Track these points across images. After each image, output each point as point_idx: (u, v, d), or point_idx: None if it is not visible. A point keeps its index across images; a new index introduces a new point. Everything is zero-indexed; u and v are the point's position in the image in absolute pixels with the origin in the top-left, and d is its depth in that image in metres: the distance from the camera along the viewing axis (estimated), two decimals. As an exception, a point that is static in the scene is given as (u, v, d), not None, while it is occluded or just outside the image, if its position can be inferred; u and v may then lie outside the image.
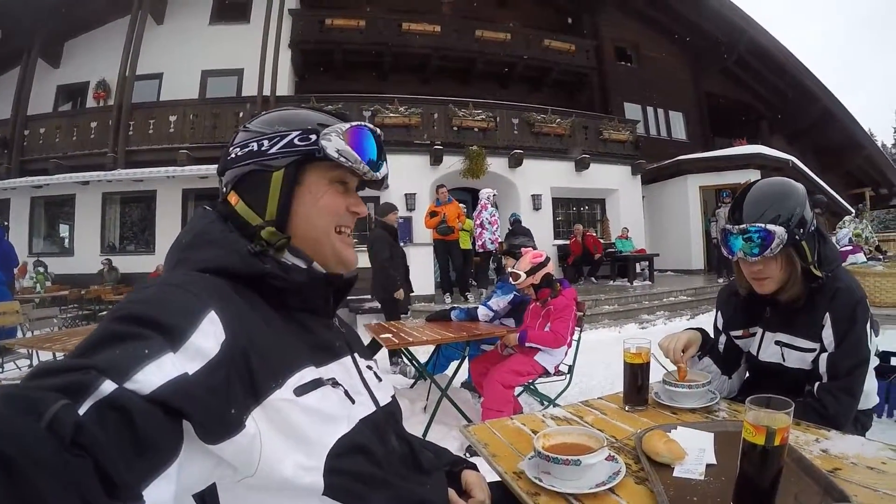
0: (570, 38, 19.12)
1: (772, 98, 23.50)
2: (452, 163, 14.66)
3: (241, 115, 14.48)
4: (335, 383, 1.03)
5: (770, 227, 1.80)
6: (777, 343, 2.01)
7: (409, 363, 5.74)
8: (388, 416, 1.19)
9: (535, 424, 1.73)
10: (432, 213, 10.95)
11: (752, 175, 16.14)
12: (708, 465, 1.34)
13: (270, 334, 0.96)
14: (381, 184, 1.24)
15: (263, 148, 1.12)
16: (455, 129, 15.07)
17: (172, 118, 14.53)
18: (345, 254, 1.18)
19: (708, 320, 7.98)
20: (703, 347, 2.11)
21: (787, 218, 1.82)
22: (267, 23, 14.96)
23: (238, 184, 1.14)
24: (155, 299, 0.86)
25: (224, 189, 1.18)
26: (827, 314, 1.87)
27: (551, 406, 4.72)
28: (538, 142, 16.08)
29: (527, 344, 4.42)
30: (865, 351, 1.86)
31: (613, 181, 17.06)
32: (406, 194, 14.09)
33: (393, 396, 1.27)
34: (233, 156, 1.15)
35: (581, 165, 16.37)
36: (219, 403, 0.81)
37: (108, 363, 0.71)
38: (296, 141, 1.11)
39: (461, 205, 11.39)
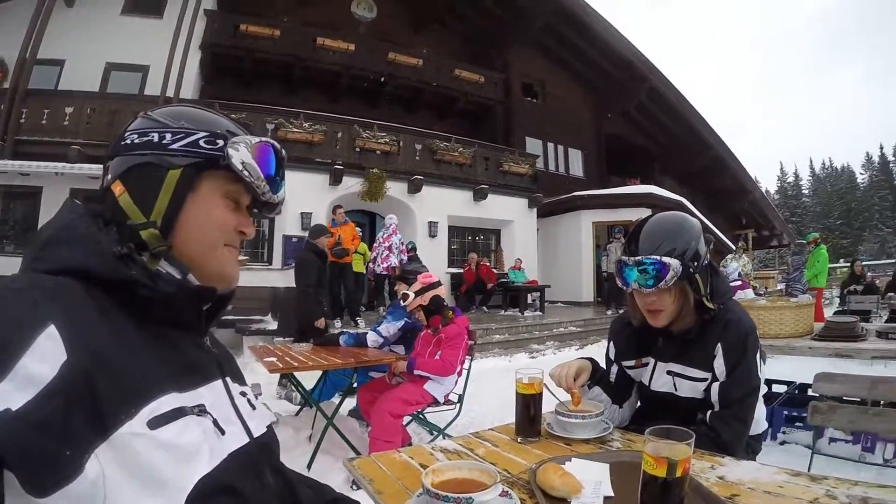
0: (480, 70, 19.44)
1: (667, 142, 24.89)
2: (352, 184, 14.46)
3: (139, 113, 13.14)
4: (202, 411, 0.89)
5: (665, 259, 1.83)
6: (669, 373, 2.03)
7: (294, 389, 5.50)
8: (262, 449, 1.05)
9: (423, 458, 1.65)
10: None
11: (645, 213, 16.81)
12: (606, 498, 1.30)
13: (126, 352, 0.81)
14: (274, 208, 1.14)
15: (165, 141, 0.99)
16: (357, 150, 14.91)
17: (68, 110, 13.09)
18: (229, 269, 1.06)
19: (597, 351, 8.14)
20: (594, 376, 2.10)
21: (682, 251, 1.86)
22: (180, 21, 14.19)
23: (126, 174, 0.99)
24: None
25: (108, 177, 1.01)
26: (719, 345, 1.90)
27: (441, 437, 4.66)
28: (439, 169, 16.17)
29: (415, 372, 4.32)
30: (756, 379, 1.90)
31: (510, 213, 17.43)
32: (302, 213, 13.66)
33: (269, 427, 1.12)
34: (128, 142, 1.00)
35: (479, 195, 16.60)
36: (50, 444, 0.66)
37: None
38: (201, 142, 1.01)
39: (357, 228, 11.27)
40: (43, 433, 0.66)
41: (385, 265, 11.21)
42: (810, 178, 78.72)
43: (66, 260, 0.86)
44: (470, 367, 4.80)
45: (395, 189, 15.11)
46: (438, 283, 4.64)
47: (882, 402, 3.31)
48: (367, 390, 4.71)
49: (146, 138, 1.00)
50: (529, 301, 14.76)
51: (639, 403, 2.23)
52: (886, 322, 6.55)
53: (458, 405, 4.67)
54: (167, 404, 0.82)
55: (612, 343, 2.26)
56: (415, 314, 4.69)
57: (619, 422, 2.11)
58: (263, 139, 1.08)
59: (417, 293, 4.53)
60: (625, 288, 1.97)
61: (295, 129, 14.01)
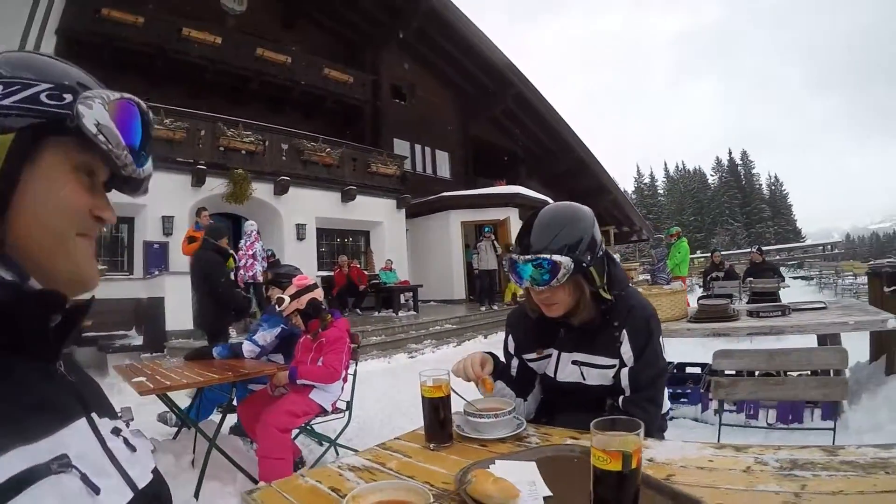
0: (350, 71, 19.18)
1: (532, 146, 25.80)
2: (215, 185, 13.71)
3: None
4: (64, 465, 0.66)
5: (556, 257, 1.82)
6: (575, 363, 2.02)
7: (168, 410, 5.00)
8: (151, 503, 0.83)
9: (333, 481, 1.49)
10: (191, 239, 10.03)
11: (512, 212, 17.47)
12: (545, 498, 1.25)
13: None
14: (140, 185, 0.89)
15: None
16: (221, 149, 14.16)
17: None
18: (84, 266, 0.81)
19: (474, 346, 8.31)
20: (494, 371, 2.06)
21: (574, 245, 1.84)
22: (36, 1, 12.68)
23: None
24: None
25: None
26: (624, 330, 1.93)
27: (333, 448, 4.50)
28: (306, 170, 15.80)
29: (298, 381, 4.08)
30: (663, 361, 1.96)
31: (379, 214, 17.37)
32: (163, 217, 12.77)
33: (155, 470, 0.89)
34: None
35: (348, 197, 16.42)
36: None
37: None
38: (43, 97, 0.75)
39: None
40: None
41: (251, 273, 10.82)
42: (665, 179, 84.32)
43: None
44: (355, 371, 4.63)
45: (261, 190, 14.57)
46: (315, 286, 4.44)
47: (779, 372, 3.57)
48: (249, 405, 4.40)
49: None
50: (403, 301, 14.81)
51: (541, 395, 2.22)
52: (748, 304, 7.21)
53: (346, 413, 4.47)
54: (9, 467, 0.59)
55: (510, 337, 2.23)
56: (291, 319, 4.46)
57: (525, 415, 2.07)
58: (126, 95, 0.83)
59: (293, 297, 4.30)
60: (519, 284, 1.94)
61: (155, 126, 12.92)
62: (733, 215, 72.05)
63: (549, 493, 1.26)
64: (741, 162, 78.37)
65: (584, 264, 1.84)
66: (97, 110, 0.78)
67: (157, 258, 12.61)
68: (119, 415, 0.90)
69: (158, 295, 11.01)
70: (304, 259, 14.11)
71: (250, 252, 10.96)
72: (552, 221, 1.91)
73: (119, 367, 5.02)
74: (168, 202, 12.73)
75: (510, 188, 19.18)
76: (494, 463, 1.44)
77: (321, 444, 4.75)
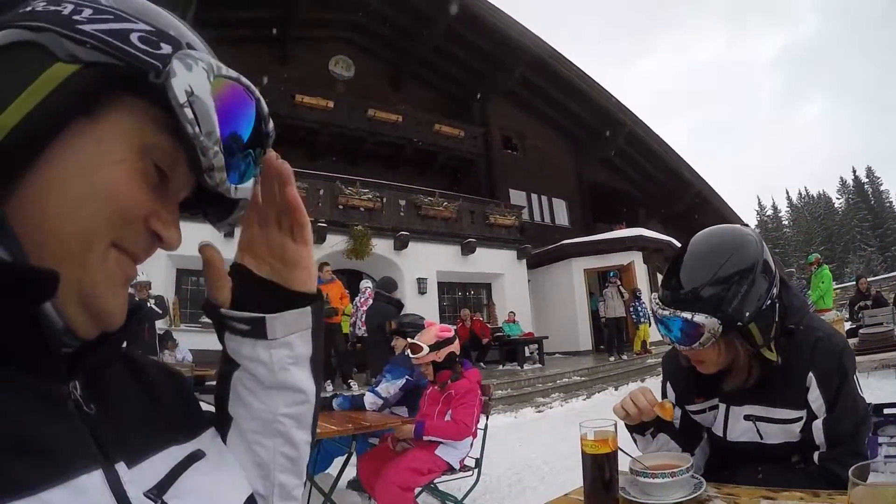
0: (460, 124, 19.47)
1: (650, 186, 24.86)
2: (336, 242, 14.10)
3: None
4: None
5: (698, 318, 1.42)
6: (748, 417, 1.58)
7: None
8: None
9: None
10: None
11: (635, 256, 16.79)
12: None
13: None
14: (228, 212, 0.64)
15: (77, 17, 0.51)
16: (340, 207, 14.62)
17: None
18: (105, 297, 0.53)
19: (605, 399, 7.73)
20: (657, 423, 1.64)
21: (727, 299, 1.43)
22: None
23: None
24: None
25: None
26: (810, 374, 1.49)
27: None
28: (424, 224, 15.89)
29: (426, 437, 3.77)
30: (863, 404, 1.50)
31: (499, 265, 17.09)
32: None
33: None
34: (29, 8, 0.52)
35: (467, 249, 16.29)
36: None
37: None
38: (134, 37, 0.52)
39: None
40: None
41: (364, 329, 10.74)
42: (788, 209, 79.38)
43: None
44: (486, 426, 4.27)
45: (381, 246, 14.75)
46: (455, 338, 4.16)
47: None
48: (369, 459, 4.17)
49: (54, 7, 0.51)
50: (528, 354, 14.36)
51: (709, 449, 1.77)
52: None
53: (475, 471, 4.11)
54: None
55: (669, 384, 1.82)
56: (421, 368, 4.19)
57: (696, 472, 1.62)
58: (243, 79, 0.59)
59: (433, 347, 4.01)
60: (661, 333, 1.56)
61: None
62: (865, 239, 65.53)
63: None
64: (867, 180, 71.46)
65: (739, 322, 1.43)
66: (196, 75, 0.53)
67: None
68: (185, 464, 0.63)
69: None
70: (425, 313, 13.72)
71: (364, 308, 10.96)
72: (704, 261, 1.52)
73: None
74: None
75: (631, 231, 18.46)
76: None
77: (445, 504, 4.44)
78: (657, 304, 1.53)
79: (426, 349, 4.01)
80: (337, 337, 10.49)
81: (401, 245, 15.13)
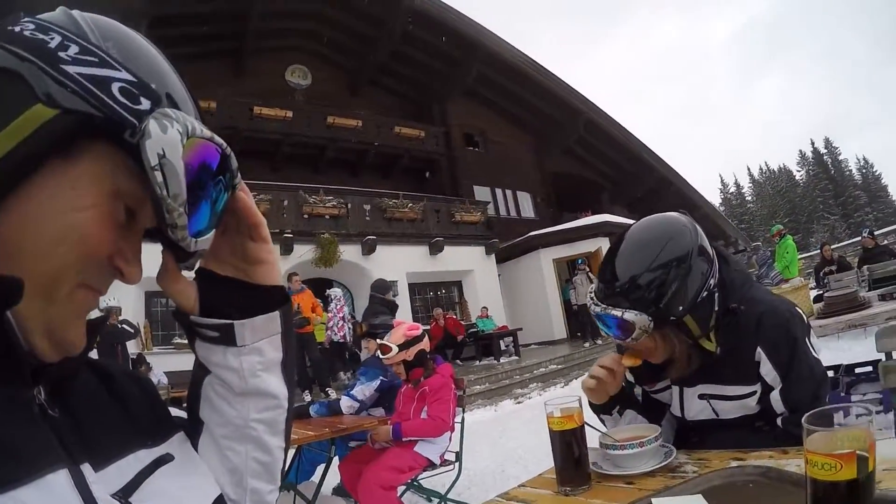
0: (420, 125, 19.61)
1: (611, 171, 25.14)
2: (304, 252, 14.06)
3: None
4: None
5: (627, 316, 1.42)
6: (702, 397, 1.60)
7: None
8: None
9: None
10: None
11: (602, 242, 16.91)
12: None
13: None
14: (187, 258, 0.66)
15: (62, 53, 0.53)
16: (306, 216, 14.60)
17: None
18: (69, 332, 0.56)
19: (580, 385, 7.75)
20: (621, 400, 1.68)
21: (659, 293, 1.43)
22: None
23: None
24: None
25: None
26: (758, 348, 1.49)
27: (443, 503, 4.15)
28: (391, 227, 15.91)
29: (405, 438, 3.79)
30: (819, 367, 1.50)
31: (468, 262, 17.16)
32: None
33: None
34: (16, 29, 0.53)
35: (435, 249, 16.35)
36: None
37: None
38: (115, 88, 0.54)
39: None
40: None
41: (341, 334, 11.05)
42: (751, 185, 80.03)
43: None
44: (463, 419, 4.29)
45: (349, 252, 14.75)
46: (423, 336, 4.15)
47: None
48: (351, 462, 4.12)
49: (42, 36, 0.53)
50: (503, 347, 14.38)
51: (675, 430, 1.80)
52: (869, 291, 6.58)
53: (456, 464, 4.13)
54: None
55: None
56: (392, 368, 4.20)
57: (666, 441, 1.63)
58: (216, 139, 0.60)
59: (402, 346, 4.01)
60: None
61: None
62: (828, 209, 66.67)
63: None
64: (826, 151, 72.58)
65: (672, 318, 1.44)
66: (170, 137, 0.54)
67: None
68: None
69: None
70: (399, 316, 13.81)
71: (340, 315, 11.14)
72: (637, 254, 1.50)
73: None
74: None
75: (597, 217, 18.64)
76: (651, 502, 1.10)
77: (430, 501, 4.42)
78: (592, 299, 1.53)
79: (395, 349, 4.00)
80: (311, 345, 10.44)
81: (368, 250, 15.13)
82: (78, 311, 0.57)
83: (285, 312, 0.74)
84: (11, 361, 0.52)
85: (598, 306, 1.49)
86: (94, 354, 0.67)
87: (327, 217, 14.88)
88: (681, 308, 1.43)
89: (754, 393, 1.52)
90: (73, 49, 0.53)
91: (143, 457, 0.64)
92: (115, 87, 0.53)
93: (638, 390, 1.80)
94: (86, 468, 0.54)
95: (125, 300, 9.81)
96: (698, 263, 1.46)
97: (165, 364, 11.02)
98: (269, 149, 16.89)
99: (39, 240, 0.52)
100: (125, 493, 0.58)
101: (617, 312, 1.43)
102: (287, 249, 13.86)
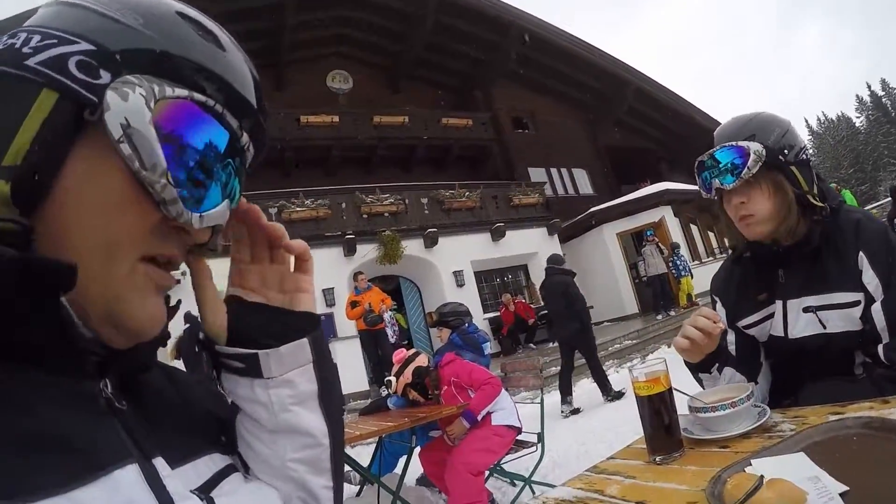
0: (466, 114, 19.50)
1: (665, 138, 24.42)
2: (367, 251, 14.23)
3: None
4: None
5: (743, 143, 1.49)
6: (808, 310, 1.53)
7: (350, 468, 4.59)
8: None
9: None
10: (353, 304, 10.48)
11: (665, 211, 16.56)
12: (841, 495, 0.85)
13: None
14: (209, 241, 0.60)
15: (23, 47, 0.50)
16: (365, 216, 14.78)
17: None
18: (136, 307, 0.54)
19: (661, 358, 7.61)
20: (719, 357, 1.58)
21: (767, 136, 1.50)
22: None
23: None
24: None
25: None
26: (860, 253, 1.46)
27: (527, 486, 4.07)
28: (451, 218, 15.93)
29: (479, 417, 3.77)
30: None
31: (532, 245, 16.96)
32: (324, 290, 13.45)
33: None
34: None
35: (497, 235, 16.25)
36: None
37: None
38: (72, 64, 0.50)
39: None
40: None
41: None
42: (810, 137, 77.12)
43: None
44: (542, 401, 4.25)
45: (412, 247, 14.82)
46: (416, 354, 4.28)
47: None
48: (432, 450, 4.15)
49: (11, 41, 0.51)
50: (576, 327, 14.17)
51: (772, 376, 1.72)
52: None
53: (538, 446, 4.07)
54: None
55: (717, 305, 1.77)
56: (409, 397, 4.28)
57: (760, 401, 1.57)
58: (196, 95, 0.54)
59: (397, 375, 4.18)
60: (707, 194, 1.62)
61: (298, 209, 13.98)
62: (893, 154, 63.05)
63: (845, 487, 0.85)
64: (884, 93, 69.25)
65: (780, 157, 1.48)
66: (133, 103, 0.49)
67: (324, 328, 12.93)
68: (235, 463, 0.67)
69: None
70: (467, 304, 13.74)
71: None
72: (736, 120, 1.60)
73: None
74: (326, 275, 13.38)
75: (657, 186, 18.12)
76: (751, 464, 1.02)
77: (514, 485, 4.34)
78: (701, 158, 1.60)
79: (393, 381, 4.18)
80: (383, 341, 10.48)
81: (431, 242, 15.17)
82: (142, 287, 0.54)
83: (316, 340, 0.70)
84: (72, 352, 0.50)
85: (706, 154, 1.58)
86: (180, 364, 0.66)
87: (386, 215, 15.02)
88: (788, 151, 1.50)
89: (858, 303, 1.46)
90: (35, 39, 0.50)
91: (217, 460, 0.64)
92: (71, 63, 0.50)
93: (731, 337, 1.70)
94: (159, 462, 0.53)
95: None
96: (795, 134, 1.55)
97: None
98: (320, 155, 17.15)
99: (84, 213, 0.50)
100: (206, 489, 0.58)
101: (732, 142, 1.51)
102: (350, 250, 14.08)
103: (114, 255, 0.51)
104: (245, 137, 0.60)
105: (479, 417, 3.77)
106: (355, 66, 19.65)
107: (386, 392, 4.59)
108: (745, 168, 1.45)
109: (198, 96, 0.54)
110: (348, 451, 3.95)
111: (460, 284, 15.36)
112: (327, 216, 14.27)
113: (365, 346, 10.97)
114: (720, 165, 1.51)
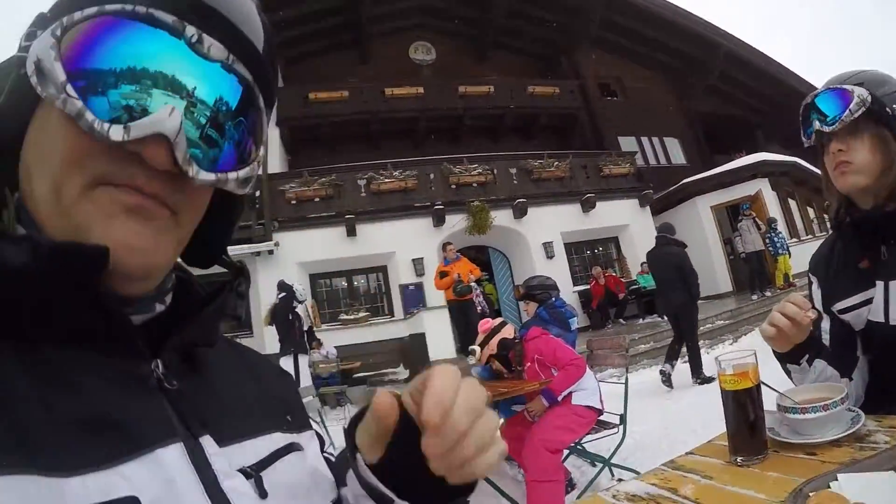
0: (553, 82, 19.11)
1: (761, 106, 22.98)
2: (456, 221, 14.28)
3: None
4: None
5: (847, 86, 1.40)
6: None
7: None
8: None
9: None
10: (442, 274, 10.62)
11: (762, 184, 15.76)
12: None
13: None
14: (179, 166, 0.52)
15: (27, 40, 0.53)
16: (453, 186, 14.81)
17: None
18: (94, 230, 0.51)
19: (751, 341, 7.25)
20: (810, 348, 1.46)
21: (874, 85, 1.40)
22: None
23: None
24: None
25: None
26: None
27: (606, 468, 4.03)
28: (540, 188, 15.68)
29: (560, 398, 3.74)
30: None
31: (623, 216, 16.54)
32: (413, 259, 13.69)
33: None
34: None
35: (587, 206, 15.90)
36: None
37: None
38: (23, 40, 0.54)
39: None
40: None
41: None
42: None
43: None
44: (626, 381, 4.20)
45: (501, 217, 14.73)
46: (502, 325, 4.24)
47: None
48: (513, 425, 4.11)
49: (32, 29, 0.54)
50: (667, 303, 13.81)
51: (869, 376, 1.57)
52: None
53: (620, 427, 4.02)
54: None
55: (813, 286, 1.65)
56: (492, 367, 4.33)
57: (854, 403, 1.44)
58: (109, 7, 0.50)
59: (482, 345, 4.16)
60: (807, 141, 1.53)
61: (387, 180, 14.21)
62: None
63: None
64: None
65: (888, 110, 1.36)
66: (41, 41, 0.50)
67: (413, 298, 13.48)
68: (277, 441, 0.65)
69: (419, 331, 11.59)
70: (556, 276, 13.34)
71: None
72: (846, 71, 1.49)
73: (363, 394, 5.08)
74: (415, 246, 13.68)
75: (754, 157, 17.01)
76: (837, 479, 0.95)
77: (594, 465, 4.29)
78: (802, 110, 1.52)
79: (477, 350, 4.18)
80: (471, 312, 10.52)
81: (520, 213, 15.00)
82: (104, 212, 0.51)
83: None
84: (120, 333, 0.52)
85: (809, 96, 1.50)
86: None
87: (474, 185, 14.97)
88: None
89: None
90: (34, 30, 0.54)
91: (278, 439, 0.64)
92: (23, 38, 0.53)
93: (826, 325, 1.59)
94: (206, 441, 0.54)
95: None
96: None
97: (334, 339, 12.00)
98: (407, 127, 17.29)
99: (37, 162, 0.52)
100: (258, 468, 0.58)
101: (837, 85, 1.43)
102: (439, 221, 14.20)
103: (60, 183, 0.51)
104: (191, 29, 0.52)
105: (560, 398, 3.75)
106: (438, 36, 19.64)
107: (472, 361, 4.62)
108: (847, 110, 1.36)
109: (109, 7, 0.50)
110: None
111: (550, 256, 15.10)
112: (415, 187, 14.43)
113: (453, 315, 11.01)
114: (822, 108, 1.43)
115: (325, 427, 4.51)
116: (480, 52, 19.89)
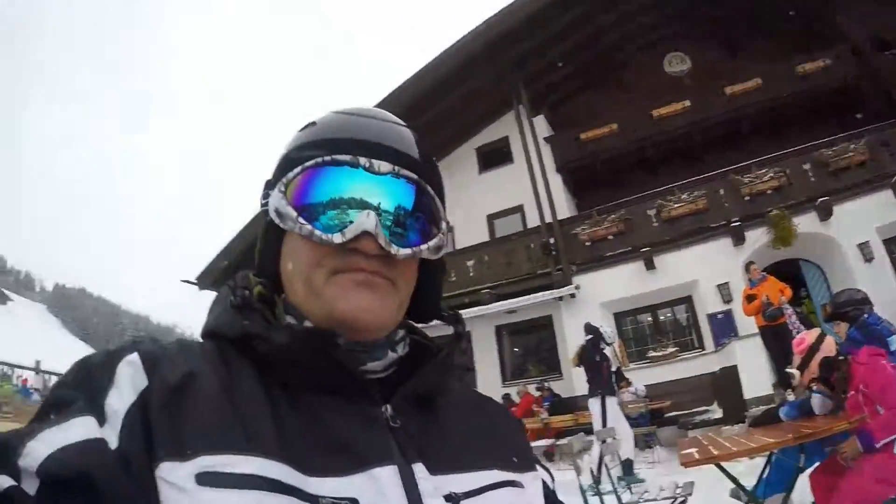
0: (819, 54, 16.44)
1: None
2: (756, 237, 12.95)
3: (531, 246, 15.32)
4: None
5: None
6: None
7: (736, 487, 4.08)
8: None
9: None
10: (749, 298, 9.80)
11: None
12: None
13: (228, 403, 0.62)
14: (382, 248, 0.70)
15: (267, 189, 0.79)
16: (746, 198, 13.50)
17: (469, 263, 15.93)
18: (340, 304, 0.69)
19: None
20: None
21: None
22: (528, 156, 15.58)
23: None
24: (90, 357, 0.65)
25: None
26: None
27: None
28: (837, 181, 13.35)
29: (878, 444, 3.23)
30: None
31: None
32: (718, 285, 12.81)
33: None
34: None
35: (902, 188, 13.10)
36: (122, 474, 0.54)
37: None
38: (261, 198, 0.79)
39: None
40: (119, 464, 0.55)
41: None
42: None
43: (206, 324, 0.76)
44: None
45: (804, 223, 12.78)
46: (821, 339, 3.89)
47: None
48: (822, 473, 3.71)
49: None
50: None
51: None
52: None
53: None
54: (248, 466, 0.57)
55: None
56: (813, 389, 3.92)
57: None
58: (306, 164, 0.71)
59: (800, 368, 3.82)
60: None
61: (676, 205, 13.67)
62: None
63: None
64: None
65: None
66: (274, 198, 0.73)
67: (723, 327, 12.67)
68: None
69: (731, 364, 10.99)
70: (879, 283, 11.48)
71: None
72: None
73: (682, 441, 4.86)
74: (718, 270, 12.94)
75: None
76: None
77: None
78: None
79: (796, 374, 3.82)
80: (784, 338, 8.97)
81: (825, 214, 12.84)
82: (342, 288, 0.70)
83: None
84: (358, 386, 0.70)
85: None
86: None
87: (769, 192, 13.46)
88: None
89: None
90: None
91: (495, 475, 0.74)
92: (263, 194, 0.78)
93: None
94: (418, 467, 0.67)
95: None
96: None
97: (643, 378, 12.11)
98: (682, 145, 16.52)
99: (291, 269, 0.74)
100: (464, 496, 0.68)
101: None
102: (738, 239, 13.09)
103: (310, 278, 0.71)
104: (363, 159, 0.70)
105: (879, 445, 3.26)
106: (687, 43, 18.26)
107: (786, 392, 4.16)
108: None
109: (308, 163, 0.71)
110: (732, 466, 3.69)
111: (868, 259, 12.51)
112: (706, 207, 13.59)
113: (767, 342, 9.98)
114: None
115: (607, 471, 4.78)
116: (732, 44, 18.00)
